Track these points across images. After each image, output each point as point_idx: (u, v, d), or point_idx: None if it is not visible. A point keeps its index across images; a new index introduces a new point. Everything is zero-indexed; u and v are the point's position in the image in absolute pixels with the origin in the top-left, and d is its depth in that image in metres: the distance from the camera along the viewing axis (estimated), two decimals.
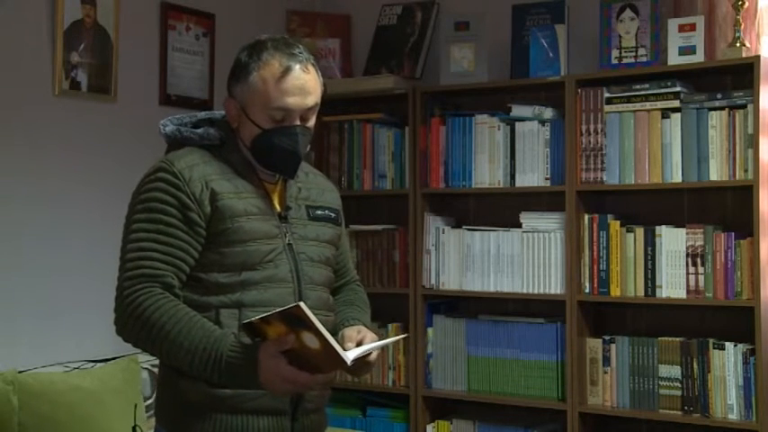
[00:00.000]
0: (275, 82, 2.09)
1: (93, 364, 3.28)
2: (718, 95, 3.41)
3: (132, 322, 2.00)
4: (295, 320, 1.91)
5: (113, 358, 3.30)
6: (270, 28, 4.19)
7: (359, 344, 2.11)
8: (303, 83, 2.12)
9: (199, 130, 2.18)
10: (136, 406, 3.10)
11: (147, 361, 3.35)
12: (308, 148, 2.22)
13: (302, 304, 1.89)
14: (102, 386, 3.12)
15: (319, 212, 2.24)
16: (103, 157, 3.57)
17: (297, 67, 2.11)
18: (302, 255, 2.16)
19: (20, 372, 3.00)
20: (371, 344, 2.10)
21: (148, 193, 2.07)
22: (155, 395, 2.24)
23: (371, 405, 4.06)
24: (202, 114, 2.28)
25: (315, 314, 2.12)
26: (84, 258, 3.48)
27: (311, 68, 2.15)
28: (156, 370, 3.31)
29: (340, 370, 2.03)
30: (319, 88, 2.18)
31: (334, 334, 2.22)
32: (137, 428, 3.04)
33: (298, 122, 2.14)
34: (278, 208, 2.17)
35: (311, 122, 2.18)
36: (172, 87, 3.84)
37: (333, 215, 2.28)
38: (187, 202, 2.05)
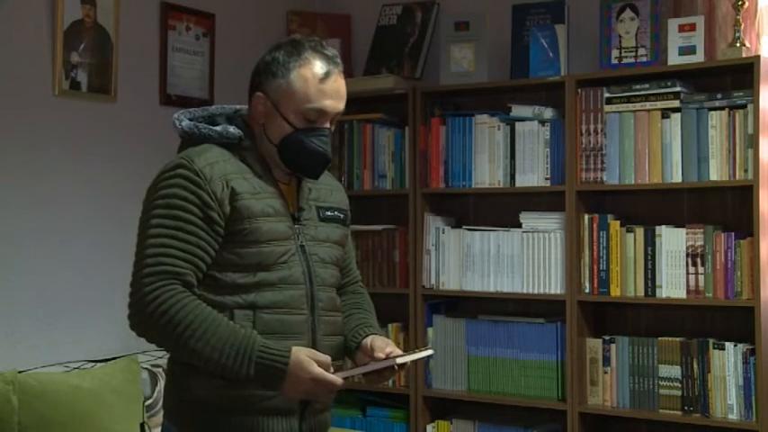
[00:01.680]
0: (317, 82, 2.13)
1: (93, 364, 3.28)
2: (718, 95, 3.41)
3: (155, 319, 1.99)
4: None
5: (113, 358, 3.30)
6: (270, 28, 4.21)
7: (387, 356, 2.15)
8: (340, 87, 2.17)
9: (218, 128, 2.17)
10: (144, 402, 3.10)
11: (148, 361, 3.35)
12: None
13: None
14: (103, 386, 3.12)
15: (329, 213, 2.26)
16: (103, 158, 3.57)
17: (336, 71, 2.16)
18: (314, 256, 2.17)
19: (20, 372, 2.99)
20: (409, 356, 2.16)
21: (168, 189, 2.06)
22: (163, 393, 2.24)
23: (371, 405, 4.06)
24: (214, 108, 2.28)
25: (325, 315, 2.17)
26: (85, 258, 3.48)
27: (343, 75, 2.19)
28: (156, 370, 3.33)
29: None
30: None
31: (342, 334, 2.24)
32: (144, 426, 3.05)
33: (327, 125, 2.17)
34: (291, 209, 2.18)
35: (333, 127, 2.22)
36: (172, 87, 3.84)
37: (341, 216, 2.30)
38: (208, 201, 2.05)
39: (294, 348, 2.01)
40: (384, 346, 2.18)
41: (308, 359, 2.00)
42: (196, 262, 2.04)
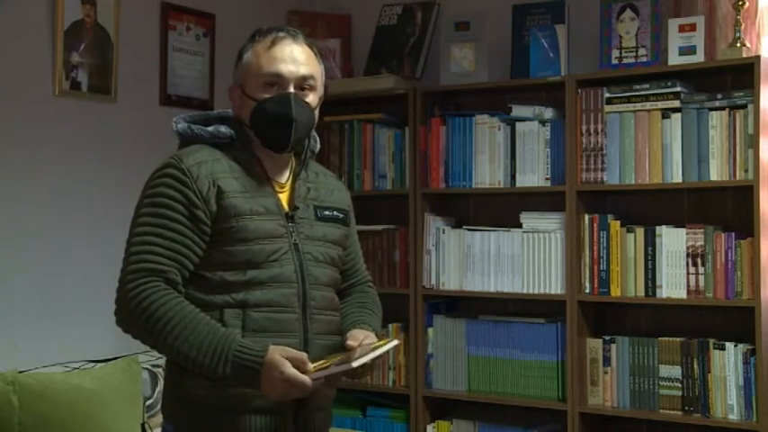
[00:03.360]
0: (266, 51, 2.16)
1: (93, 364, 3.28)
2: (719, 95, 3.41)
3: (136, 316, 2.01)
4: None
5: (114, 358, 3.29)
6: None
7: (359, 344, 2.12)
8: (293, 51, 2.17)
9: (209, 128, 2.20)
10: (144, 402, 3.10)
11: (148, 361, 3.35)
12: (312, 132, 2.23)
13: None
14: (103, 386, 3.12)
15: (327, 213, 2.25)
16: (103, 158, 3.57)
17: (288, 38, 2.18)
18: (308, 255, 2.17)
19: (20, 372, 2.99)
20: (369, 354, 2.05)
21: (156, 188, 2.09)
22: (162, 392, 2.25)
23: (371, 405, 4.06)
24: (215, 113, 2.31)
25: (318, 314, 2.15)
26: (85, 258, 3.47)
27: (305, 45, 2.20)
28: (156, 370, 3.33)
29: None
30: (316, 64, 2.22)
31: (339, 334, 2.23)
32: (144, 426, 3.05)
33: (291, 89, 2.16)
34: (286, 208, 2.18)
35: (310, 98, 2.20)
36: (172, 87, 3.84)
37: (341, 215, 2.29)
38: (194, 200, 2.07)
39: (270, 348, 1.99)
40: (361, 336, 2.16)
41: (281, 359, 1.97)
42: (181, 260, 2.05)
